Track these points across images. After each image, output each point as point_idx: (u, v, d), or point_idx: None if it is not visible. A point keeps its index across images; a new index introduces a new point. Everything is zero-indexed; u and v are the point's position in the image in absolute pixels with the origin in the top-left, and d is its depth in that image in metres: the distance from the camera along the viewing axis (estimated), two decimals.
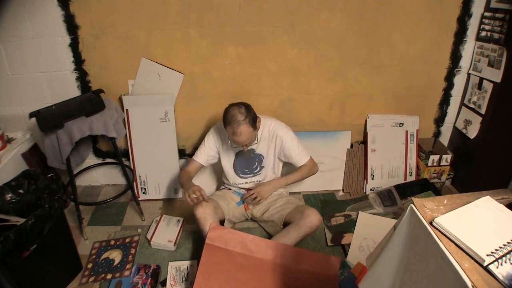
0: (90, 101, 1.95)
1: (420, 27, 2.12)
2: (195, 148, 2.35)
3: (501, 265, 0.83)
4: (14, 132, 2.18)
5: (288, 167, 2.13)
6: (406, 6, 2.06)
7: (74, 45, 2.02)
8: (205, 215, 1.79)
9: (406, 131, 2.40)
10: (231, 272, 1.65)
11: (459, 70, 2.27)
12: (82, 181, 2.48)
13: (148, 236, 2.01)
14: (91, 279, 1.78)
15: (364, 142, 2.44)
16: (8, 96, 2.13)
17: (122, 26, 2.00)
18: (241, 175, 2.01)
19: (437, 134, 2.51)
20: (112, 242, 2.00)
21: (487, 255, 0.84)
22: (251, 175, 2.01)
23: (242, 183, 2.03)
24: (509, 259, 0.84)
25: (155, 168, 2.33)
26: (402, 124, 2.39)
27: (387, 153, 2.41)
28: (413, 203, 1.02)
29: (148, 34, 2.03)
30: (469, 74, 2.26)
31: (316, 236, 1.98)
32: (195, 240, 2.01)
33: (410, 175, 2.45)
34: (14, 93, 2.12)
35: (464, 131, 2.32)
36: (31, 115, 1.79)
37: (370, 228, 2.05)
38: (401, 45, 2.17)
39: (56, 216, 1.54)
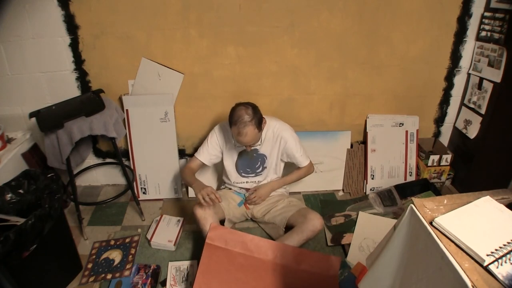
0: (90, 101, 1.95)
1: (420, 27, 2.12)
2: (195, 148, 2.36)
3: (501, 265, 0.83)
4: (14, 132, 2.18)
5: (287, 168, 2.13)
6: (406, 6, 2.06)
7: (74, 45, 2.02)
8: (205, 215, 1.79)
9: (406, 131, 2.40)
10: (231, 272, 1.65)
11: (459, 70, 2.27)
12: (82, 181, 2.48)
13: (148, 236, 2.01)
14: (91, 279, 1.78)
15: (364, 142, 2.44)
16: (8, 96, 2.13)
17: (122, 26, 2.00)
18: (243, 174, 2.01)
19: (437, 134, 2.51)
20: (112, 242, 2.00)
21: (487, 255, 0.84)
22: (253, 175, 2.01)
23: (244, 183, 2.03)
24: (509, 259, 0.84)
25: (155, 168, 2.33)
26: (402, 124, 2.39)
27: (387, 153, 2.41)
28: (413, 203, 1.02)
29: (148, 34, 2.03)
30: (469, 74, 2.26)
31: (316, 236, 1.98)
32: (195, 240, 2.01)
33: (410, 175, 2.45)
34: (14, 93, 2.12)
35: (464, 131, 2.32)
36: (31, 115, 1.79)
37: (370, 228, 2.05)
38: (401, 45, 2.17)
39: (56, 216, 1.54)
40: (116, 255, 1.91)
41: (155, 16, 1.98)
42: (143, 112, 2.20)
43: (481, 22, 2.10)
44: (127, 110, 2.20)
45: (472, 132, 2.23)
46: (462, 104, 2.36)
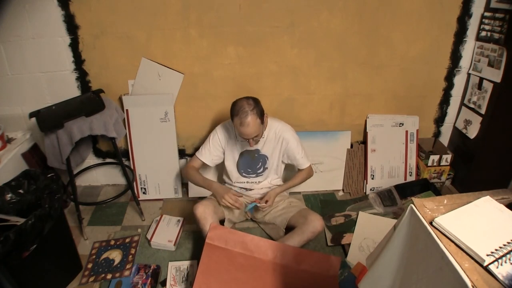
0: (90, 101, 1.95)
1: (420, 27, 2.12)
2: (195, 148, 2.36)
3: (501, 265, 0.83)
4: (14, 132, 2.18)
5: (287, 170, 2.13)
6: (406, 6, 2.06)
7: (74, 45, 2.02)
8: (205, 215, 1.79)
9: (406, 131, 2.40)
10: (231, 272, 1.65)
11: (459, 70, 2.27)
12: (82, 181, 2.48)
13: (148, 236, 2.01)
14: (91, 279, 1.78)
15: (364, 142, 2.44)
16: (8, 96, 2.13)
17: (122, 26, 2.00)
18: (244, 174, 2.01)
19: (437, 134, 2.51)
20: (112, 242, 2.00)
21: (487, 255, 0.84)
22: (254, 175, 2.01)
23: (244, 183, 2.03)
24: (509, 259, 0.84)
25: (155, 168, 2.33)
26: (402, 124, 2.39)
27: (387, 153, 2.41)
28: (413, 203, 1.02)
29: (148, 34, 2.03)
30: (469, 74, 2.26)
31: (316, 237, 1.97)
32: (195, 240, 2.01)
33: (410, 175, 2.45)
34: (14, 93, 2.12)
35: (464, 131, 2.32)
36: (31, 115, 1.79)
37: (370, 228, 2.05)
38: (401, 45, 2.17)
39: (56, 216, 1.54)
40: (116, 255, 1.91)
41: (155, 16, 1.98)
42: (143, 112, 2.20)
43: (481, 22, 2.10)
44: (127, 110, 2.20)
45: (472, 132, 2.23)
46: (462, 104, 2.36)
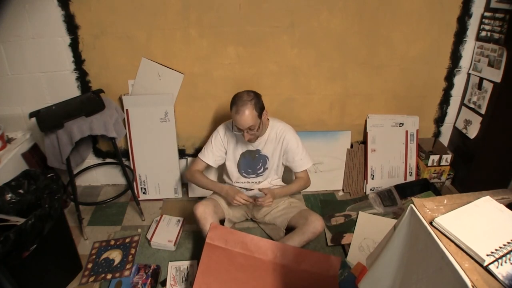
0: (90, 101, 1.95)
1: (420, 27, 2.12)
2: (195, 148, 2.36)
3: (501, 265, 0.83)
4: (14, 132, 2.18)
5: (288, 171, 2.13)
6: (406, 6, 2.06)
7: (74, 45, 2.02)
8: (205, 215, 1.79)
9: (406, 131, 2.40)
10: (231, 272, 1.65)
11: (459, 70, 2.27)
12: (82, 181, 2.48)
13: (148, 236, 2.01)
14: (91, 279, 1.78)
15: (364, 142, 2.44)
16: (8, 96, 2.13)
17: (122, 26, 2.00)
18: (244, 174, 2.01)
19: (437, 134, 2.51)
20: (112, 242, 2.00)
21: (487, 255, 0.84)
22: (254, 176, 2.01)
23: (244, 183, 2.03)
24: (509, 259, 0.84)
25: (155, 168, 2.33)
26: (402, 124, 2.40)
27: (387, 153, 2.41)
28: (413, 203, 1.02)
29: (148, 34, 2.03)
30: (469, 74, 2.26)
31: (317, 238, 1.97)
32: (195, 240, 2.01)
33: (410, 175, 2.45)
34: (14, 93, 2.12)
35: (464, 131, 2.32)
36: (31, 115, 1.79)
37: (370, 228, 2.05)
38: (401, 45, 2.17)
39: (56, 216, 1.54)
40: (116, 255, 1.91)
41: (155, 16, 1.98)
42: (143, 112, 2.20)
43: (481, 22, 2.10)
44: (127, 110, 2.20)
45: (472, 132, 2.23)
46: (462, 104, 2.36)
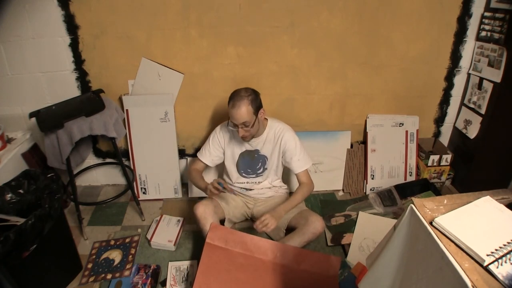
0: (90, 101, 1.95)
1: (420, 27, 2.12)
2: (195, 148, 2.36)
3: (501, 265, 0.83)
4: (14, 132, 2.18)
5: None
6: (406, 6, 2.06)
7: (74, 45, 2.02)
8: (205, 215, 1.79)
9: (406, 131, 2.40)
10: (231, 272, 1.65)
11: (459, 70, 2.27)
12: (82, 181, 2.48)
13: (148, 236, 2.01)
14: (91, 279, 1.78)
15: (364, 142, 2.44)
16: (8, 96, 2.13)
17: (122, 26, 2.00)
18: (244, 174, 2.01)
19: (437, 134, 2.51)
20: (112, 242, 2.00)
21: (487, 255, 0.84)
22: (254, 176, 2.01)
23: (244, 183, 2.03)
24: (509, 259, 0.84)
25: (155, 168, 2.33)
26: (402, 124, 2.39)
27: (387, 153, 2.41)
28: (413, 203, 1.02)
29: (148, 34, 2.03)
30: (469, 74, 2.26)
31: (317, 238, 1.97)
32: (195, 240, 2.01)
33: (410, 175, 2.45)
34: (14, 93, 2.12)
35: (464, 131, 2.32)
36: (31, 115, 1.79)
37: (370, 228, 2.05)
38: (401, 45, 2.17)
39: (56, 216, 1.54)
40: (116, 255, 1.91)
41: (155, 16, 1.98)
42: (143, 112, 2.20)
43: (481, 22, 2.10)
44: (127, 110, 2.20)
45: (472, 132, 2.23)
46: (462, 104, 2.36)
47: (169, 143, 2.29)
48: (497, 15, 1.98)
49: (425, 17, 2.10)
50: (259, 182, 2.03)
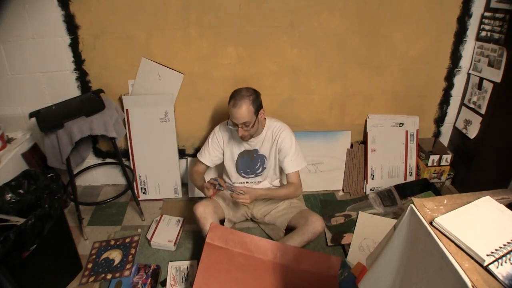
0: (90, 101, 1.95)
1: (420, 27, 2.12)
2: (195, 148, 2.37)
3: (501, 265, 0.83)
4: (14, 132, 2.18)
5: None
6: (406, 6, 2.06)
7: (74, 45, 2.02)
8: (205, 215, 1.79)
9: (406, 131, 2.40)
10: (231, 272, 1.65)
11: (459, 70, 2.27)
12: (82, 181, 2.48)
13: (148, 236, 2.01)
14: (91, 279, 1.78)
15: (364, 142, 2.44)
16: (8, 96, 2.13)
17: (122, 26, 2.00)
18: (243, 174, 2.01)
19: (437, 134, 2.51)
20: (112, 242, 2.00)
21: (487, 255, 0.84)
22: (253, 175, 2.01)
23: (244, 183, 2.03)
24: (509, 259, 0.84)
25: (155, 168, 2.33)
26: (402, 124, 2.40)
27: (387, 153, 2.41)
28: (413, 203, 1.02)
29: (148, 34, 2.03)
30: (469, 74, 2.26)
31: (317, 238, 1.97)
32: (195, 240, 2.01)
33: (410, 175, 2.45)
34: (14, 93, 2.12)
35: (464, 131, 2.32)
36: (31, 115, 1.79)
37: (370, 228, 2.05)
38: (401, 45, 2.17)
39: (56, 216, 1.54)
40: (116, 255, 1.91)
41: (155, 16, 1.98)
42: (143, 112, 2.20)
43: (481, 22, 2.10)
44: (127, 110, 2.20)
45: (472, 132, 2.23)
46: (462, 104, 2.36)
47: (169, 143, 2.29)
48: (497, 15, 1.98)
49: (425, 17, 2.10)
50: (258, 182, 2.03)
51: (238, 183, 2.04)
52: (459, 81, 2.30)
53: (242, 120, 1.73)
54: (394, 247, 1.09)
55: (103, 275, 1.79)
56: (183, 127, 2.31)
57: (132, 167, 2.31)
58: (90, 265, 1.85)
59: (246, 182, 2.03)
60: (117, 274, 1.79)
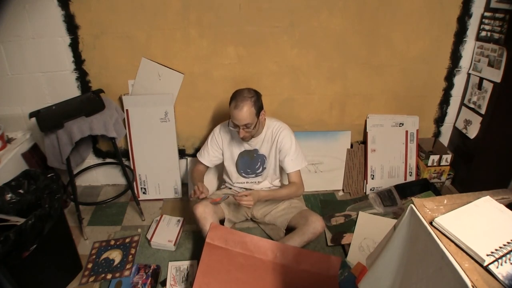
0: (90, 101, 1.95)
1: (420, 27, 2.12)
2: (195, 148, 2.37)
3: (501, 265, 0.83)
4: (14, 132, 2.18)
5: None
6: (406, 6, 2.06)
7: (74, 45, 2.02)
8: (205, 215, 1.79)
9: (406, 131, 2.40)
10: (231, 272, 1.65)
11: (459, 70, 2.27)
12: (82, 181, 2.48)
13: (148, 236, 2.01)
14: (91, 279, 1.78)
15: (364, 142, 2.44)
16: (8, 96, 2.12)
17: (122, 26, 2.00)
18: (243, 174, 2.01)
19: (437, 134, 2.51)
20: (112, 242, 2.00)
21: (487, 255, 0.84)
22: (253, 175, 2.01)
23: (244, 183, 2.03)
24: (509, 259, 0.84)
25: (155, 168, 2.33)
26: (402, 124, 2.40)
27: (387, 153, 2.41)
28: (413, 203, 1.02)
29: (148, 34, 2.03)
30: (469, 74, 2.26)
31: (317, 238, 1.97)
32: (195, 240, 2.01)
33: (410, 175, 2.45)
34: (14, 93, 2.12)
35: (464, 131, 2.32)
36: (31, 115, 1.79)
37: (370, 228, 2.05)
38: (401, 45, 2.17)
39: (56, 216, 1.54)
40: (116, 255, 1.91)
41: (155, 16, 1.98)
42: (143, 112, 2.20)
43: (481, 22, 2.10)
44: (127, 110, 2.20)
45: (472, 132, 2.23)
46: (462, 104, 2.36)
47: (169, 143, 2.29)
48: (497, 15, 1.98)
49: (425, 17, 2.10)
50: (258, 182, 2.03)
51: (239, 183, 2.04)
52: (459, 81, 2.30)
53: (244, 122, 1.73)
54: (394, 247, 1.09)
55: (103, 275, 1.79)
56: (183, 127, 2.31)
57: (132, 167, 2.31)
58: (90, 265, 1.85)
59: (246, 182, 2.03)
60: (117, 274, 1.79)
